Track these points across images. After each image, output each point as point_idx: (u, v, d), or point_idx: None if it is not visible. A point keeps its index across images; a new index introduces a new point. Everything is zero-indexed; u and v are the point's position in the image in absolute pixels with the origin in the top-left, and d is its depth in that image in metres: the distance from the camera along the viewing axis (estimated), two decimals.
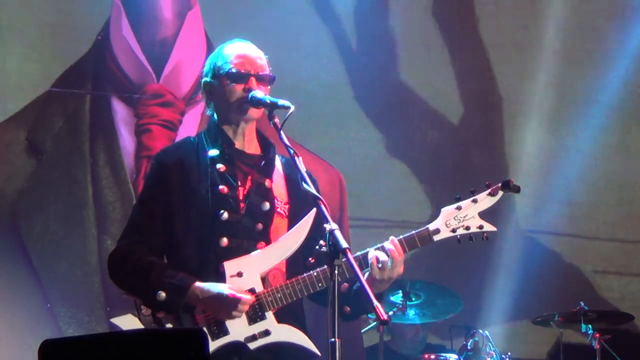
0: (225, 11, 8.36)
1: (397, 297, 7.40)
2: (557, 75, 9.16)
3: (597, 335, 7.36)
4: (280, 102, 4.66)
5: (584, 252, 9.20)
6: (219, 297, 4.59)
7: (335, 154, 8.56)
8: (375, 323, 7.58)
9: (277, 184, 4.85)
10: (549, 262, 8.96)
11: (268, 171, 4.84)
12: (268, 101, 4.70)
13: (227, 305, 4.59)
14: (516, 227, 8.89)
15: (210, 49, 7.80)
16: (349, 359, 5.04)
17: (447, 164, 8.84)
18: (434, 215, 4.79)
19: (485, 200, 4.78)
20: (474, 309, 8.30)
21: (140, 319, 4.65)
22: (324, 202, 4.28)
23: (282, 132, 4.55)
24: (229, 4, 8.41)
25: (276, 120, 4.63)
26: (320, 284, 4.65)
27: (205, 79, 4.91)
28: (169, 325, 4.64)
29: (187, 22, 8.28)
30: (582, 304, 7.36)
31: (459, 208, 4.77)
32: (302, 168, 4.45)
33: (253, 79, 4.79)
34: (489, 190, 4.78)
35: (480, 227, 4.77)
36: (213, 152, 4.80)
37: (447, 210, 4.78)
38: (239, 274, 4.66)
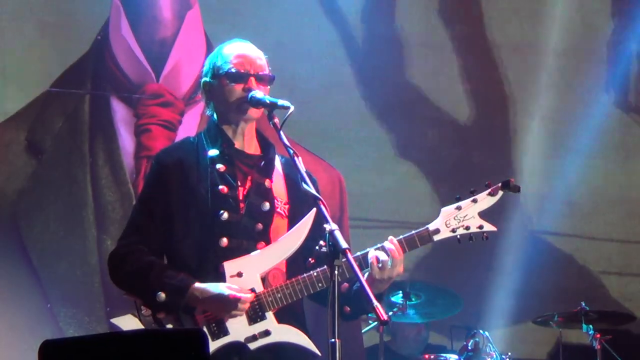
0: (224, 11, 8.36)
1: (398, 297, 7.40)
2: (560, 76, 9.17)
3: (598, 335, 7.35)
4: (280, 102, 4.66)
5: (585, 252, 9.21)
6: (219, 297, 4.58)
7: (335, 154, 8.56)
8: (375, 323, 7.58)
9: (277, 184, 4.84)
10: (550, 262, 8.96)
11: (268, 171, 4.84)
12: (268, 101, 4.69)
13: (227, 305, 4.58)
14: (518, 228, 8.88)
15: (209, 48, 7.80)
16: None
17: (453, 164, 8.83)
18: (435, 216, 4.78)
19: (485, 200, 4.78)
20: (475, 310, 8.30)
21: (140, 320, 4.65)
22: (324, 202, 4.28)
23: (281, 132, 4.54)
24: (228, 4, 8.41)
25: (276, 120, 4.62)
26: (320, 284, 4.65)
27: (204, 78, 4.90)
28: (169, 326, 4.63)
29: (186, 22, 8.28)
30: (583, 304, 7.36)
31: (458, 208, 4.77)
32: (302, 168, 4.44)
33: (252, 78, 4.79)
34: (489, 190, 4.78)
35: (480, 227, 4.76)
36: (213, 152, 4.79)
37: (447, 210, 4.78)
38: (239, 274, 4.65)
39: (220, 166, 4.77)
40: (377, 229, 8.48)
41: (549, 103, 9.16)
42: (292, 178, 4.83)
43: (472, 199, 4.77)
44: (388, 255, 4.60)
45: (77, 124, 8.06)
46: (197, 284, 4.62)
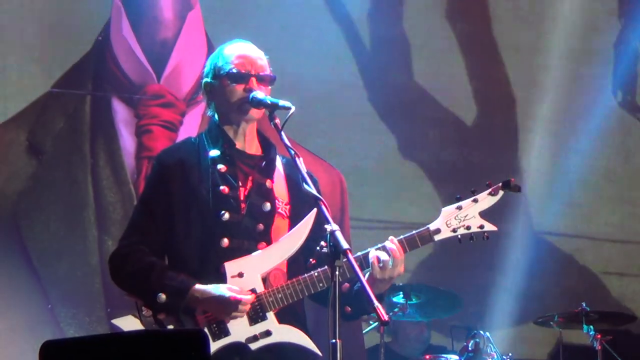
0: (225, 12, 8.36)
1: (398, 298, 7.41)
2: (564, 77, 9.18)
3: (599, 336, 7.35)
4: (281, 102, 4.66)
5: (587, 253, 9.21)
6: (220, 299, 4.58)
7: (336, 154, 8.56)
8: (376, 324, 7.58)
9: (278, 184, 4.85)
10: (552, 262, 8.96)
11: (269, 172, 4.84)
12: (269, 102, 4.70)
13: (228, 307, 4.58)
14: (521, 228, 8.88)
15: (210, 49, 7.81)
16: None
17: (457, 165, 8.82)
18: (436, 216, 4.78)
19: (485, 200, 4.78)
20: (475, 310, 8.30)
21: (141, 320, 4.65)
22: (325, 202, 4.28)
23: (282, 133, 4.54)
24: (229, 5, 8.41)
25: (277, 120, 4.63)
26: (321, 284, 4.65)
27: (205, 79, 4.91)
28: (170, 327, 4.63)
29: (187, 22, 8.28)
30: (584, 304, 7.36)
31: (459, 208, 4.77)
32: (303, 169, 4.45)
33: (254, 79, 4.79)
34: (490, 190, 4.78)
35: (481, 226, 4.77)
36: (214, 153, 4.79)
37: (448, 210, 4.78)
38: (240, 275, 4.65)
39: (221, 166, 4.77)
40: (378, 229, 8.48)
41: (553, 104, 9.17)
42: (293, 178, 4.83)
43: (472, 198, 4.77)
44: (389, 255, 4.61)
45: (78, 124, 8.06)
46: (198, 286, 4.62)
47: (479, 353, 7.20)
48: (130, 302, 4.72)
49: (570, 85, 9.23)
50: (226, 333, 4.64)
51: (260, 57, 4.87)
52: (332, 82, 8.63)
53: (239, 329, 4.64)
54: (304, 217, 4.69)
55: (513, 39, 9.26)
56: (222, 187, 4.73)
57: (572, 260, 9.15)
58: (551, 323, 7.58)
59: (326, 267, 4.58)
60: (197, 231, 4.72)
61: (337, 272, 4.06)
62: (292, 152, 4.46)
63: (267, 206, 4.77)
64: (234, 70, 4.80)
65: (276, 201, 4.80)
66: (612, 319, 7.72)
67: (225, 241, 4.69)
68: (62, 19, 8.05)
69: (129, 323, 4.67)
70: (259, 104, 4.73)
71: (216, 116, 4.89)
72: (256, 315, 4.65)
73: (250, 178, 4.81)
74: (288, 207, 4.83)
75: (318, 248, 4.37)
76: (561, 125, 9.21)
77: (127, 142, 8.11)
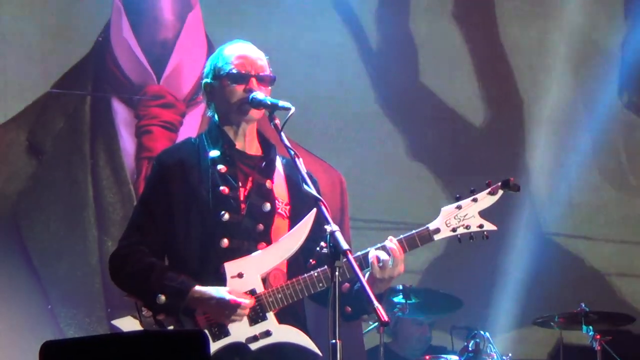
0: (225, 12, 8.37)
1: (398, 298, 7.41)
2: (571, 77, 9.20)
3: (598, 336, 7.35)
4: (281, 103, 4.67)
5: (592, 254, 9.22)
6: (220, 301, 4.58)
7: (336, 155, 8.56)
8: (375, 324, 7.58)
9: (278, 184, 4.85)
10: (555, 263, 8.96)
11: (269, 172, 4.84)
12: (269, 102, 4.70)
13: (227, 310, 4.58)
14: (525, 228, 8.89)
15: (210, 50, 7.81)
16: None
17: (464, 165, 8.81)
18: (436, 217, 4.78)
19: (485, 200, 4.78)
20: (475, 310, 8.30)
21: (140, 321, 4.65)
22: (325, 203, 4.28)
23: (282, 133, 4.55)
24: (229, 6, 8.41)
25: (277, 121, 4.63)
26: (321, 285, 4.65)
27: (205, 79, 4.91)
28: (169, 327, 4.63)
29: (187, 23, 8.29)
30: (583, 305, 7.36)
31: (459, 207, 4.77)
32: (303, 169, 4.45)
33: (253, 79, 4.79)
34: (489, 189, 4.78)
35: (481, 226, 4.77)
36: (214, 153, 4.79)
37: (447, 210, 4.78)
38: (240, 275, 4.65)
39: (221, 167, 4.77)
40: (378, 230, 8.49)
41: (560, 105, 9.19)
42: (293, 179, 4.84)
43: (472, 198, 4.77)
44: (389, 255, 4.61)
45: (78, 125, 8.06)
46: (198, 287, 4.62)
47: (478, 353, 7.21)
48: (130, 302, 4.71)
49: (581, 86, 9.25)
50: (226, 333, 4.64)
51: (260, 58, 4.87)
52: (332, 82, 8.63)
53: (239, 329, 4.64)
54: (304, 217, 4.69)
55: (519, 39, 9.27)
56: (222, 188, 4.73)
57: (578, 260, 9.16)
58: (551, 324, 7.57)
59: (326, 267, 4.58)
60: (197, 231, 4.72)
61: (337, 273, 4.07)
62: (292, 153, 4.46)
63: (267, 206, 4.77)
64: (234, 71, 4.81)
65: (276, 201, 4.80)
66: (612, 320, 7.72)
67: (225, 241, 4.69)
68: (62, 19, 8.06)
69: (128, 323, 4.67)
70: (259, 104, 4.73)
71: (216, 117, 4.89)
72: (256, 315, 4.65)
73: (250, 178, 4.81)
74: (288, 207, 4.83)
75: (318, 249, 4.37)
76: (570, 127, 9.22)
77: (127, 142, 8.11)
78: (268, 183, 4.82)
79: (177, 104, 8.18)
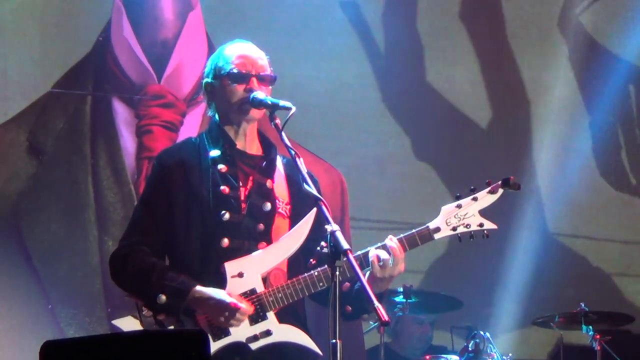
0: (226, 12, 8.37)
1: (399, 297, 7.42)
2: (576, 77, 9.23)
3: (598, 336, 7.36)
4: (282, 103, 4.67)
5: (597, 254, 9.23)
6: (220, 304, 4.58)
7: (336, 155, 8.56)
8: (376, 324, 7.59)
9: (279, 184, 4.85)
10: (558, 263, 8.97)
11: (269, 172, 4.84)
12: (269, 102, 4.70)
13: (226, 313, 4.57)
14: (529, 228, 8.90)
15: (211, 49, 7.81)
16: None
17: (471, 166, 8.81)
18: (436, 216, 4.78)
19: (485, 198, 4.78)
20: (476, 310, 8.30)
21: (141, 321, 4.64)
22: (325, 203, 4.28)
23: (283, 133, 4.55)
24: (230, 5, 8.42)
25: (277, 121, 4.63)
26: (321, 284, 4.65)
27: (206, 79, 4.91)
28: (170, 327, 4.63)
29: (188, 23, 8.29)
30: (583, 304, 7.36)
31: (459, 206, 4.78)
32: (303, 169, 4.45)
33: (254, 79, 4.80)
34: (489, 188, 4.79)
35: (481, 225, 4.77)
36: (214, 153, 4.80)
37: (448, 209, 4.78)
38: (240, 275, 4.66)
39: (221, 167, 4.77)
40: (378, 229, 8.49)
41: (565, 105, 9.21)
42: (294, 178, 4.84)
43: (472, 197, 4.77)
44: (389, 254, 4.61)
45: (79, 125, 8.06)
46: (199, 287, 4.62)
47: (479, 353, 7.21)
48: (131, 302, 4.71)
49: (587, 86, 9.28)
50: (226, 333, 4.64)
51: (260, 57, 4.87)
52: (332, 82, 8.63)
53: (239, 329, 4.63)
54: (305, 217, 4.69)
55: (530, 41, 9.28)
56: (222, 187, 4.74)
57: (583, 260, 9.16)
58: (551, 324, 7.58)
59: (326, 266, 4.58)
60: (198, 231, 4.72)
61: (337, 273, 4.07)
62: (293, 153, 4.46)
63: (268, 206, 4.77)
64: (235, 71, 4.81)
65: (276, 201, 4.80)
66: (611, 320, 7.72)
67: (226, 241, 4.70)
68: (62, 19, 8.06)
69: (129, 323, 4.67)
70: (259, 104, 4.73)
71: (217, 116, 4.89)
72: (256, 315, 4.65)
73: (250, 178, 4.81)
74: (288, 207, 4.83)
75: (318, 248, 4.37)
76: (575, 127, 9.24)
77: (128, 142, 8.11)
78: (268, 183, 4.82)
79: (178, 104, 8.19)
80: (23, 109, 7.96)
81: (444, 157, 8.96)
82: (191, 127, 8.10)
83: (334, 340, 4.00)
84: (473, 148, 9.04)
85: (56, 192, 7.93)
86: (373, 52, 8.88)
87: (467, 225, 4.77)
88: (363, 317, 4.82)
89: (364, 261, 4.63)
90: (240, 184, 4.78)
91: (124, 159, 8.07)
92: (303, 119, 7.41)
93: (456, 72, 9.13)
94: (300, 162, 4.46)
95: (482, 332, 7.32)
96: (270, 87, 4.85)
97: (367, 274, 4.63)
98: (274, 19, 8.42)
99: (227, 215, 4.71)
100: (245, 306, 4.60)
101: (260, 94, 4.74)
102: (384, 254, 4.62)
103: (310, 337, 4.71)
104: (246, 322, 4.65)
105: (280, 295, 4.66)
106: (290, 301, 4.67)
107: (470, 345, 7.28)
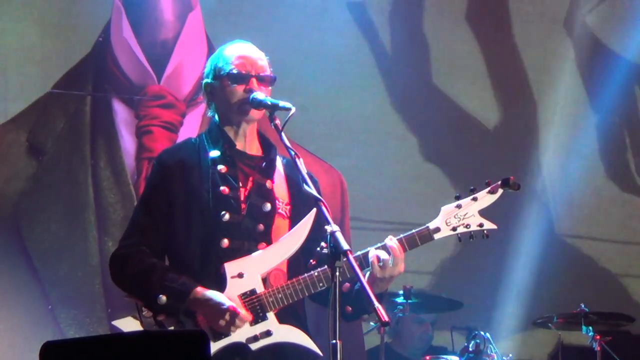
0: (226, 13, 8.37)
1: (399, 298, 7.42)
2: (578, 79, 9.24)
3: (598, 337, 7.35)
4: (282, 103, 4.67)
5: (606, 255, 9.24)
6: (219, 308, 4.58)
7: (336, 155, 8.56)
8: (376, 324, 7.58)
9: (278, 184, 4.85)
10: (554, 264, 8.97)
11: (269, 172, 4.84)
12: (269, 102, 4.70)
13: (226, 317, 4.57)
14: (532, 229, 8.90)
15: (211, 50, 7.81)
16: None
17: (478, 167, 8.81)
18: (436, 217, 4.78)
19: (485, 198, 4.78)
20: (476, 311, 8.30)
21: (141, 321, 4.64)
22: (325, 203, 4.28)
23: (283, 134, 4.55)
24: (229, 6, 8.42)
25: (277, 121, 4.63)
26: (321, 284, 4.65)
27: (206, 80, 4.91)
28: (170, 328, 4.63)
29: (187, 23, 8.29)
30: (583, 305, 7.36)
31: (459, 206, 4.77)
32: (303, 169, 4.45)
33: (254, 79, 4.79)
34: (489, 188, 4.78)
35: (481, 225, 4.77)
36: (214, 153, 4.80)
37: (447, 209, 4.78)
38: (240, 275, 4.65)
39: (221, 167, 4.77)
40: (379, 230, 8.49)
41: (572, 106, 9.22)
42: (294, 179, 4.84)
43: (472, 197, 4.77)
44: (389, 254, 4.61)
45: (79, 125, 8.06)
46: (199, 289, 4.61)
47: (479, 354, 7.21)
48: (131, 303, 4.71)
49: (585, 87, 9.29)
50: (226, 333, 4.63)
51: (260, 58, 4.87)
52: (332, 82, 8.63)
53: (240, 329, 4.64)
54: (304, 217, 4.69)
55: (536, 42, 9.29)
56: (222, 188, 4.73)
57: (586, 262, 9.17)
58: (550, 324, 7.57)
59: (326, 267, 4.58)
60: (198, 232, 4.72)
61: (337, 273, 4.07)
62: (293, 153, 4.46)
63: (268, 207, 4.77)
64: (234, 71, 4.81)
65: (276, 201, 4.80)
66: (611, 320, 7.72)
67: (226, 242, 4.69)
68: (62, 20, 8.06)
69: (129, 324, 4.66)
70: (259, 104, 4.73)
71: (216, 117, 4.89)
72: (256, 315, 4.65)
73: (250, 178, 4.81)
74: (288, 207, 4.83)
75: (318, 249, 4.37)
76: (577, 127, 9.25)
77: (128, 143, 8.11)
78: (268, 183, 4.82)
79: (178, 104, 8.19)
80: (23, 110, 7.96)
81: (451, 158, 8.96)
82: (191, 127, 8.10)
83: (334, 341, 4.00)
84: (479, 149, 9.04)
85: (56, 192, 7.93)
86: (379, 52, 8.88)
87: (467, 226, 4.76)
88: (363, 317, 4.82)
89: (363, 262, 4.63)
90: (240, 185, 4.78)
91: (123, 159, 8.07)
92: (303, 120, 7.43)
93: (462, 73, 9.13)
94: (300, 163, 4.46)
95: (482, 333, 7.32)
96: (270, 88, 4.85)
97: (367, 274, 4.62)
98: (273, 20, 8.42)
99: (227, 216, 4.71)
100: (244, 313, 4.60)
101: (260, 94, 4.74)
102: (383, 255, 4.62)
103: (310, 337, 4.71)
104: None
105: (280, 295, 4.65)
106: (290, 301, 4.66)
107: (470, 346, 7.28)
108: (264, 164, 4.85)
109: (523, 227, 8.80)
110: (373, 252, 4.63)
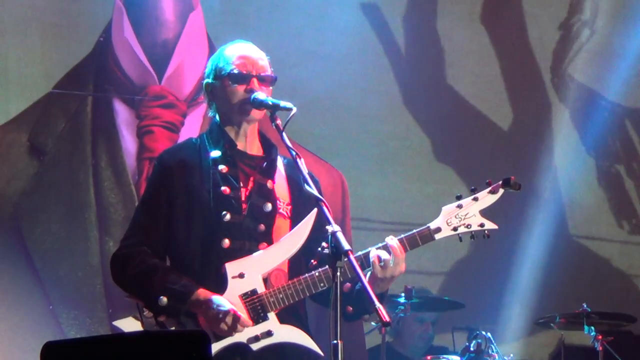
0: (227, 13, 8.36)
1: (400, 298, 7.41)
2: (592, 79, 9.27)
3: (600, 337, 7.34)
4: (283, 103, 4.67)
5: (593, 254, 9.24)
6: (220, 311, 4.57)
7: (337, 155, 8.56)
8: (377, 324, 7.58)
9: (279, 185, 4.85)
10: (555, 264, 8.96)
11: (270, 172, 4.84)
12: (270, 103, 4.70)
13: (226, 321, 4.56)
14: (531, 230, 8.90)
15: (212, 50, 7.80)
16: None
17: (491, 168, 8.80)
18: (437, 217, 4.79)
19: (486, 198, 4.78)
20: (477, 311, 8.29)
21: (142, 322, 4.64)
22: (326, 203, 4.28)
23: (284, 134, 4.55)
24: (230, 6, 8.41)
25: (278, 121, 4.63)
26: (322, 284, 4.65)
27: (207, 80, 4.91)
28: (171, 328, 4.63)
29: (188, 23, 8.28)
30: (585, 305, 7.35)
31: (459, 206, 4.77)
32: (304, 169, 4.45)
33: (255, 79, 4.79)
34: (490, 188, 4.78)
35: (482, 225, 4.77)
36: (215, 154, 4.79)
37: (448, 209, 4.78)
38: (241, 275, 4.65)
39: (222, 167, 4.77)
40: (380, 230, 8.48)
41: (585, 106, 9.24)
42: (295, 179, 4.83)
43: (473, 197, 4.77)
44: (390, 254, 4.61)
45: (80, 125, 8.06)
46: (200, 291, 4.61)
47: (480, 354, 7.20)
48: (132, 303, 4.71)
49: (600, 89, 9.32)
50: (227, 336, 4.63)
51: (261, 58, 4.87)
52: (333, 82, 8.62)
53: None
54: (305, 217, 4.69)
55: (548, 43, 9.29)
56: (223, 188, 4.73)
57: (588, 262, 9.17)
58: (552, 324, 7.57)
59: (327, 267, 4.58)
60: (198, 232, 4.72)
61: (338, 274, 4.06)
62: (294, 153, 4.46)
63: (268, 207, 4.77)
64: (235, 71, 4.81)
65: (277, 202, 4.80)
66: (613, 320, 7.71)
67: (226, 242, 4.69)
68: (63, 19, 8.05)
69: (130, 324, 4.66)
70: (260, 104, 4.73)
71: (217, 117, 4.89)
72: (257, 315, 4.65)
73: (251, 179, 4.81)
74: (289, 207, 4.83)
75: (319, 249, 4.37)
76: (592, 127, 9.26)
77: (129, 143, 8.11)
78: (269, 183, 4.81)
79: (179, 105, 8.18)
80: (24, 110, 7.95)
81: (465, 159, 8.95)
82: (192, 127, 8.09)
83: (335, 341, 4.00)
84: (494, 150, 9.04)
85: (57, 192, 7.92)
86: (393, 53, 8.88)
87: (468, 226, 4.76)
88: (364, 317, 4.81)
89: (364, 261, 4.63)
90: (241, 185, 4.78)
91: (124, 159, 8.07)
92: (304, 120, 7.42)
93: (477, 72, 9.13)
94: (301, 163, 4.46)
95: (483, 332, 7.31)
96: (271, 88, 4.85)
97: (368, 274, 4.62)
98: (274, 20, 8.41)
99: (227, 216, 4.71)
100: (245, 317, 4.60)
101: (261, 94, 4.74)
102: (385, 254, 4.61)
103: (311, 337, 4.71)
104: None
105: (281, 295, 4.65)
106: (291, 302, 4.66)
107: (471, 346, 7.27)
108: (265, 164, 4.84)
109: (526, 227, 8.80)
110: (374, 252, 4.63)
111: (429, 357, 7.35)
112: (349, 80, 8.74)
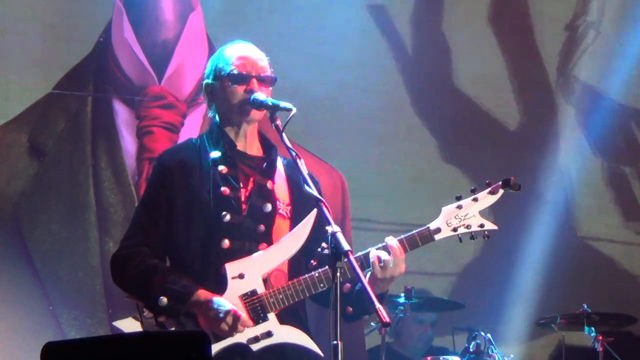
0: (227, 13, 8.36)
1: (400, 298, 7.41)
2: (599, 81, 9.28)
3: (600, 337, 7.34)
4: (282, 104, 4.66)
5: (594, 254, 9.24)
6: (221, 311, 4.57)
7: (337, 156, 8.56)
8: (377, 325, 7.58)
9: (279, 185, 4.85)
10: (556, 265, 8.96)
11: (270, 173, 4.84)
12: (270, 103, 4.70)
13: (226, 321, 4.56)
14: (532, 231, 8.90)
15: (211, 50, 7.80)
16: None
17: (498, 169, 8.79)
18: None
19: (486, 199, 4.78)
20: (477, 311, 8.29)
21: (141, 322, 4.64)
22: (326, 204, 4.28)
23: (284, 134, 4.54)
24: (230, 6, 8.41)
25: (278, 122, 4.63)
26: (322, 285, 4.65)
27: (206, 80, 4.91)
28: (171, 329, 4.63)
29: (188, 24, 8.28)
30: (585, 306, 7.35)
31: (459, 207, 4.77)
32: (304, 170, 4.44)
33: (254, 80, 4.79)
34: (490, 189, 4.79)
35: (482, 225, 4.77)
36: (215, 154, 4.79)
37: (448, 209, 4.78)
38: (241, 276, 4.65)
39: (222, 168, 4.77)
40: (379, 231, 8.48)
41: (592, 107, 9.25)
42: (294, 179, 4.83)
43: (472, 197, 4.77)
44: (389, 254, 4.61)
45: (80, 126, 8.06)
46: (200, 292, 4.61)
47: (480, 354, 7.20)
48: (132, 303, 4.71)
49: (605, 90, 9.32)
50: (227, 337, 4.63)
51: (261, 58, 4.87)
52: (333, 83, 8.62)
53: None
54: (305, 218, 4.69)
55: (554, 44, 9.29)
56: (223, 189, 4.73)
57: (589, 262, 9.17)
58: (552, 325, 7.56)
59: (327, 268, 4.58)
60: (198, 232, 4.72)
61: (338, 274, 4.06)
62: (293, 154, 4.46)
63: (268, 207, 4.77)
64: (235, 72, 4.81)
65: (277, 202, 4.80)
66: (614, 321, 7.71)
67: (226, 242, 4.69)
68: (63, 20, 8.05)
69: (130, 325, 4.66)
70: (260, 105, 4.73)
71: (217, 117, 4.89)
72: (257, 316, 4.64)
73: (251, 179, 4.81)
74: (289, 208, 4.83)
75: (319, 249, 4.37)
76: (597, 129, 9.26)
77: (128, 143, 8.11)
78: (269, 184, 4.81)
79: (178, 105, 8.18)
80: (24, 110, 7.95)
81: (471, 160, 8.94)
82: (192, 128, 8.09)
83: (335, 341, 4.00)
84: (499, 150, 9.04)
85: (57, 193, 7.92)
86: (400, 54, 8.88)
87: (468, 226, 4.76)
88: (364, 318, 4.81)
89: (364, 262, 4.62)
90: (241, 185, 4.78)
91: (124, 160, 8.07)
92: (304, 120, 7.42)
93: (484, 73, 9.13)
94: (301, 163, 4.46)
95: (483, 333, 7.30)
96: (271, 88, 4.85)
97: (368, 275, 4.62)
98: (274, 20, 8.41)
99: (227, 217, 4.70)
100: (245, 317, 4.60)
101: (260, 95, 4.74)
102: (384, 255, 4.61)
103: (311, 338, 4.71)
104: None
105: (281, 296, 4.65)
106: (291, 302, 4.66)
107: (471, 346, 7.26)
108: (265, 164, 4.84)
109: (527, 227, 8.79)
110: (374, 253, 4.63)
111: (429, 358, 7.34)
112: (348, 81, 8.74)
